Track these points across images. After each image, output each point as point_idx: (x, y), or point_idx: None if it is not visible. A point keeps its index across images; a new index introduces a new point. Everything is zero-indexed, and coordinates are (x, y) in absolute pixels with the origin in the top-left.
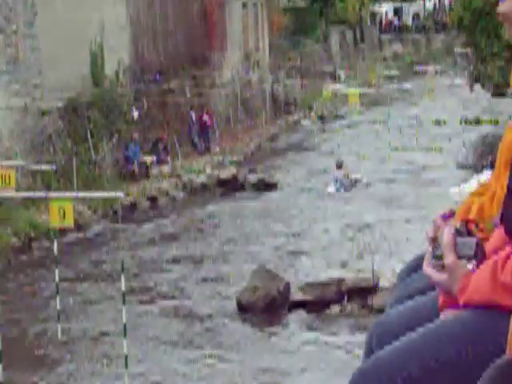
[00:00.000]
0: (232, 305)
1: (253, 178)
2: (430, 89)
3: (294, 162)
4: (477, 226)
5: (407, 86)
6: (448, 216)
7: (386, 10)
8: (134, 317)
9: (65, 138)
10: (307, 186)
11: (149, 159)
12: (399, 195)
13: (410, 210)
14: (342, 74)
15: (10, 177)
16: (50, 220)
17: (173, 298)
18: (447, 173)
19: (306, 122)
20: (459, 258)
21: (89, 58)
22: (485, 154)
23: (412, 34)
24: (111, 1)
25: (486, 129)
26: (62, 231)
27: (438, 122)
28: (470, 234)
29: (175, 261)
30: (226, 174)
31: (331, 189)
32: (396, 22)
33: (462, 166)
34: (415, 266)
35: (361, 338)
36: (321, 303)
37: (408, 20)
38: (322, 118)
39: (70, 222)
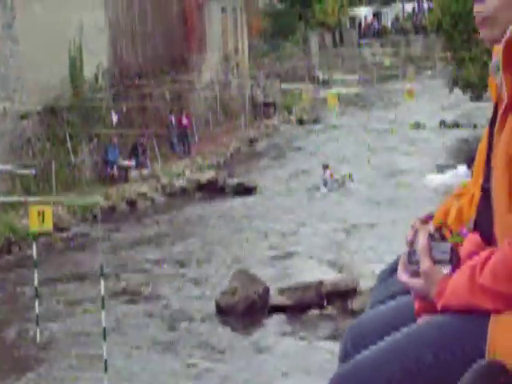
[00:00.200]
0: (212, 307)
1: (232, 181)
2: (409, 92)
3: (273, 165)
4: (450, 231)
5: (386, 88)
6: (426, 219)
7: (365, 13)
8: (113, 319)
9: (44, 142)
10: (287, 188)
11: (128, 163)
12: (379, 197)
13: (390, 212)
14: (321, 76)
15: None
16: (30, 224)
17: (153, 300)
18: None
19: (285, 125)
20: (434, 263)
21: (68, 60)
22: (463, 157)
23: (391, 37)
24: (90, 4)
25: (465, 132)
26: (42, 235)
27: (417, 125)
28: (444, 238)
29: (155, 263)
30: (205, 177)
31: (323, 190)
32: (375, 25)
33: (440, 169)
34: (394, 269)
35: (340, 340)
36: (300, 306)
37: (387, 23)
38: (301, 120)
39: (49, 226)
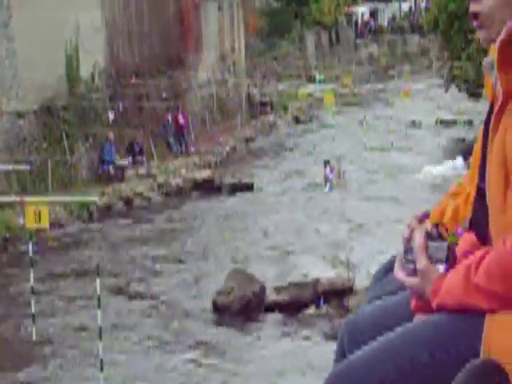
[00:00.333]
0: (208, 306)
1: (229, 179)
2: (405, 90)
3: (269, 164)
4: (446, 230)
5: (382, 87)
6: (422, 218)
7: (361, 11)
8: (110, 316)
9: (40, 141)
10: (283, 187)
11: (124, 161)
12: (376, 196)
13: (388, 210)
14: (317, 75)
15: None
16: (26, 222)
17: (150, 297)
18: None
19: (281, 124)
20: (431, 261)
21: (64, 59)
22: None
23: (388, 36)
24: (86, 3)
25: (461, 130)
26: (38, 232)
27: (413, 123)
28: (440, 237)
29: (151, 261)
30: (201, 176)
31: (326, 188)
32: (372, 23)
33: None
34: (391, 267)
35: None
36: (296, 305)
37: (384, 22)
38: (297, 119)
39: (45, 224)
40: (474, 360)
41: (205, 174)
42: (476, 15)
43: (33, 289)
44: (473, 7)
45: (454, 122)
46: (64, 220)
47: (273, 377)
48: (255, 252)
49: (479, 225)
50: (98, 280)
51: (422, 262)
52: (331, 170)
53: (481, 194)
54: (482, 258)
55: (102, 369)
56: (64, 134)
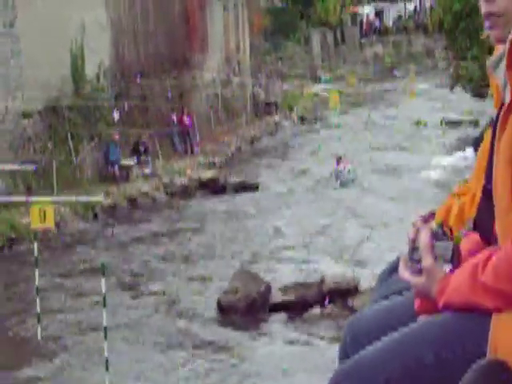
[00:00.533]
0: (214, 305)
1: (234, 179)
2: (411, 90)
3: (274, 163)
4: (450, 230)
5: (387, 86)
6: (428, 218)
7: (367, 11)
8: (116, 315)
9: (45, 140)
10: (288, 186)
11: (129, 161)
12: (384, 194)
13: (395, 209)
14: (322, 75)
15: None
16: (31, 222)
17: (155, 296)
18: (427, 173)
19: (286, 124)
20: (436, 260)
21: (69, 59)
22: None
23: (393, 36)
24: (92, 2)
25: (466, 130)
26: (43, 232)
27: (418, 123)
28: (446, 236)
29: (157, 260)
30: (207, 175)
31: (336, 184)
32: (377, 23)
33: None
34: (396, 267)
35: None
36: (302, 304)
37: (389, 22)
38: (302, 119)
39: (50, 224)
40: (481, 360)
41: (210, 173)
42: (489, 15)
43: (38, 289)
44: (486, 7)
45: (459, 122)
46: (69, 220)
47: (278, 376)
48: (260, 251)
49: (484, 225)
50: (103, 280)
51: (427, 261)
52: (344, 166)
53: (487, 193)
54: (489, 257)
55: (107, 368)
56: (69, 134)
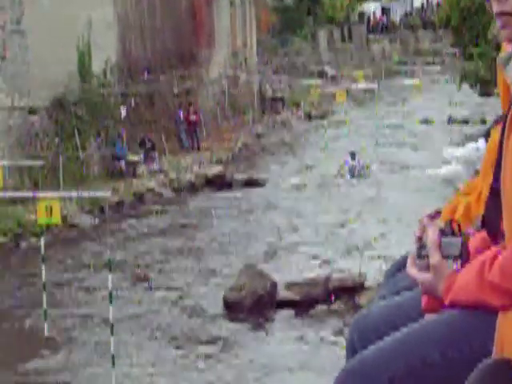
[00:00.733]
0: (220, 301)
1: (240, 175)
2: (418, 87)
3: (281, 160)
4: (459, 227)
5: (394, 83)
6: (434, 215)
7: (373, 8)
8: (123, 309)
9: (52, 136)
10: (295, 182)
11: (136, 157)
12: (389, 193)
13: (401, 209)
14: (329, 71)
15: None
16: (38, 217)
17: (161, 292)
18: (435, 171)
19: (293, 120)
20: (444, 257)
21: (76, 55)
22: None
23: (400, 33)
24: None
25: (474, 128)
26: (50, 228)
27: (425, 120)
28: (454, 233)
29: (163, 256)
30: (213, 171)
31: (349, 176)
32: (384, 20)
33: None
34: (402, 265)
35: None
36: (308, 302)
37: (396, 18)
38: (309, 115)
39: (57, 220)
40: (487, 359)
41: (216, 169)
42: (501, 14)
43: (44, 284)
44: (498, 7)
45: (466, 120)
46: (76, 215)
47: (284, 373)
48: (266, 247)
49: (491, 223)
50: (109, 276)
51: (435, 258)
52: (359, 161)
53: (495, 192)
54: (496, 255)
55: (113, 364)
56: (76, 130)
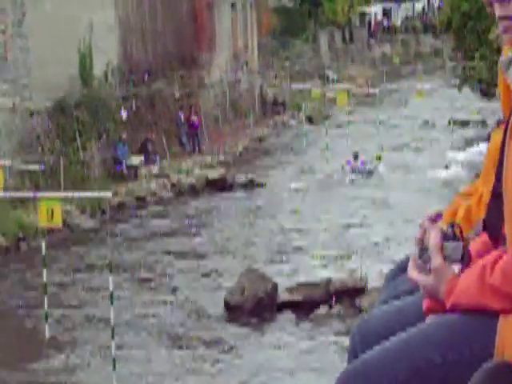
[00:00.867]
0: (221, 304)
1: (241, 178)
2: (418, 90)
3: (282, 163)
4: (461, 230)
5: (396, 86)
6: (435, 218)
7: (375, 11)
8: (124, 311)
9: (53, 138)
10: (296, 185)
11: (137, 159)
12: (393, 195)
13: (404, 211)
14: (330, 74)
15: None
16: (39, 220)
17: (163, 294)
18: (437, 173)
19: (294, 123)
20: (446, 261)
21: (77, 58)
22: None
23: (401, 36)
24: (100, 2)
25: (475, 130)
26: (51, 230)
27: (426, 123)
28: (456, 237)
29: (165, 258)
30: (214, 174)
31: (352, 176)
32: (385, 23)
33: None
34: (404, 267)
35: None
36: (309, 304)
37: (397, 21)
38: (310, 118)
39: (58, 222)
40: (488, 362)
41: (217, 172)
42: (503, 18)
43: (45, 287)
44: (500, 11)
45: (467, 122)
46: (77, 218)
47: (285, 376)
48: (268, 250)
49: (493, 226)
50: (110, 278)
51: (437, 261)
52: (362, 162)
53: (496, 195)
54: (498, 259)
55: (114, 367)
56: (77, 133)
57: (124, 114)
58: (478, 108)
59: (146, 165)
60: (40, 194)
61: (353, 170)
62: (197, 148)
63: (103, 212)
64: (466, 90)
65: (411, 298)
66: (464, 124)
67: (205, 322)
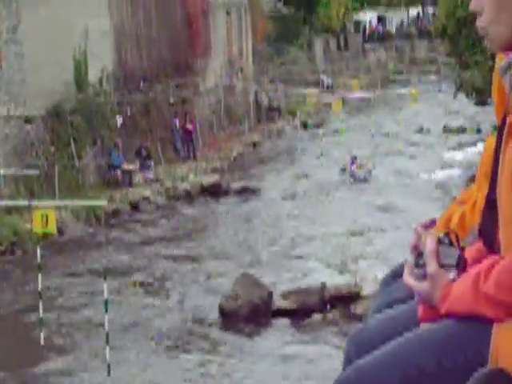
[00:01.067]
0: (215, 311)
1: (236, 184)
2: (414, 96)
3: (277, 169)
4: (457, 237)
5: (390, 92)
6: (429, 225)
7: (369, 17)
8: (120, 316)
9: (48, 145)
10: (291, 191)
11: (132, 166)
12: (388, 201)
13: (400, 216)
14: (325, 80)
15: None
16: (33, 227)
17: (158, 299)
18: (431, 180)
19: (289, 129)
20: (441, 267)
21: (72, 64)
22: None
23: (396, 42)
24: (95, 8)
25: (469, 137)
26: (46, 236)
27: (421, 129)
28: (451, 243)
29: (159, 264)
30: (209, 180)
31: (351, 179)
32: (380, 29)
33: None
34: (398, 273)
35: (343, 345)
36: (303, 311)
37: (392, 27)
38: (305, 124)
39: (52, 229)
40: (482, 369)
41: (212, 178)
42: (480, 28)
43: (40, 293)
44: (478, 21)
45: (461, 129)
46: (72, 225)
47: (279, 382)
48: (262, 256)
49: (487, 233)
50: (105, 285)
51: (431, 267)
52: (360, 165)
53: (491, 202)
54: (492, 266)
55: (109, 373)
56: (72, 139)
57: (119, 121)
58: (473, 114)
59: (140, 171)
60: (34, 203)
61: (351, 174)
62: (191, 154)
63: (98, 219)
64: (461, 96)
65: (403, 306)
66: (458, 130)
67: (200, 328)
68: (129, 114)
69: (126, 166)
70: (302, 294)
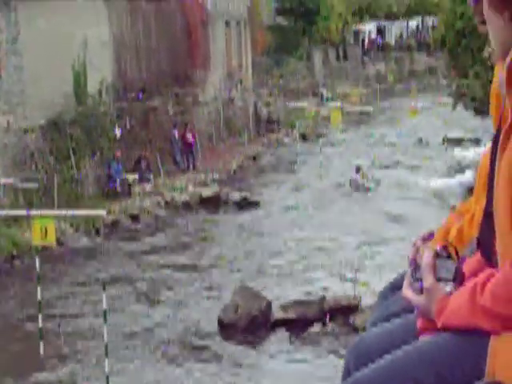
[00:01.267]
0: (215, 321)
1: (235, 196)
2: (413, 109)
3: (276, 181)
4: (456, 250)
5: (390, 104)
6: (428, 238)
7: (369, 29)
8: (119, 327)
9: (47, 156)
10: (290, 203)
11: (131, 177)
12: (389, 212)
13: (398, 228)
14: (324, 92)
15: None
16: (32, 238)
17: (157, 310)
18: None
19: (288, 141)
20: (438, 280)
21: (71, 75)
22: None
23: (395, 53)
24: (94, 19)
25: (468, 148)
26: (45, 248)
27: (420, 141)
28: (449, 257)
29: (158, 275)
30: (208, 192)
31: (353, 189)
32: (379, 41)
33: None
34: (397, 286)
35: (342, 357)
36: (302, 322)
37: (391, 39)
38: (304, 136)
39: (51, 241)
40: (479, 382)
41: (211, 190)
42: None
43: (40, 304)
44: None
45: (461, 140)
46: (71, 236)
47: None
48: (261, 268)
49: (486, 245)
50: (104, 295)
51: (428, 281)
52: (363, 176)
53: (488, 215)
54: (488, 279)
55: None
56: (71, 150)
57: (118, 132)
58: (472, 126)
59: (139, 182)
60: (34, 213)
61: (354, 185)
62: (191, 166)
63: (97, 230)
64: (460, 107)
65: (400, 320)
66: (458, 142)
67: (199, 339)
68: (128, 125)
69: (125, 178)
70: (301, 306)
